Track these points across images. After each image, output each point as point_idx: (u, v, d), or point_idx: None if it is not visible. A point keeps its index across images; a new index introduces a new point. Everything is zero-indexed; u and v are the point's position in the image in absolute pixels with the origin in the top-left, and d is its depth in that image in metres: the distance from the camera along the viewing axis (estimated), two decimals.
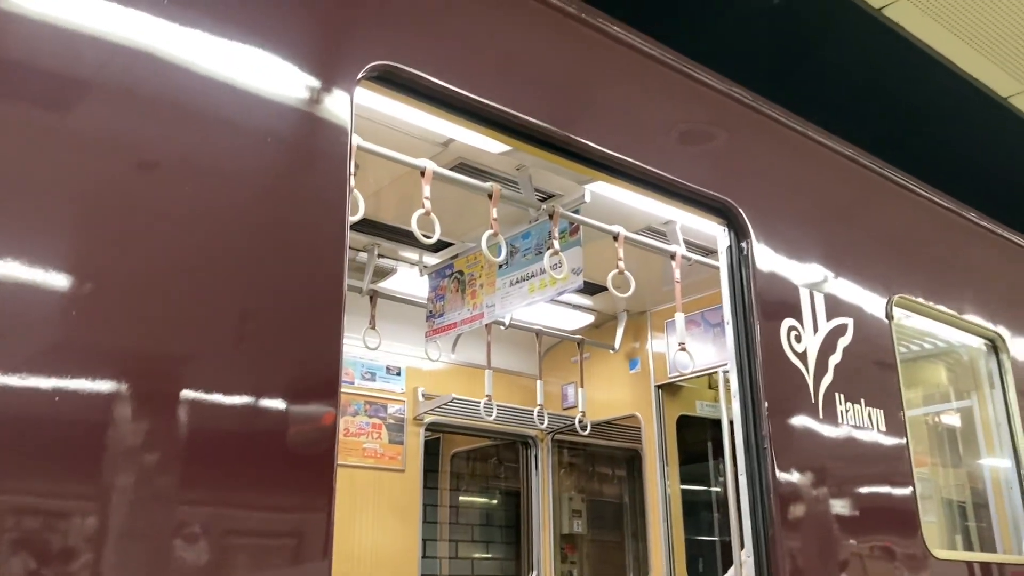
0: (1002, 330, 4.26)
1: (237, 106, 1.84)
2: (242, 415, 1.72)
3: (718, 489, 5.75)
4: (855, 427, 3.17)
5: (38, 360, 1.50)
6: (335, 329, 1.88)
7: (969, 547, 4.49)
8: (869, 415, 3.25)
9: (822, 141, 3.64)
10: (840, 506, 3.03)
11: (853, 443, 3.16)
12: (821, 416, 3.05)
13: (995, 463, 4.30)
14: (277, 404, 1.76)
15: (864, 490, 3.17)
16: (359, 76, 2.05)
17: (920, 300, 3.79)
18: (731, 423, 3.02)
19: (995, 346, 4.27)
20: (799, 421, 2.98)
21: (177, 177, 1.74)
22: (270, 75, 1.90)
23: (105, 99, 1.68)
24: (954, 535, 4.53)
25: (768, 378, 2.89)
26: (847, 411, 3.15)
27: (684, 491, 5.32)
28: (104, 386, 1.56)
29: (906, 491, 3.34)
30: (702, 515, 5.80)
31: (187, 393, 1.65)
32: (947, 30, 4.75)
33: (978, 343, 4.32)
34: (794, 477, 2.88)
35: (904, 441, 3.39)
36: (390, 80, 2.17)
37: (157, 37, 1.76)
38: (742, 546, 2.87)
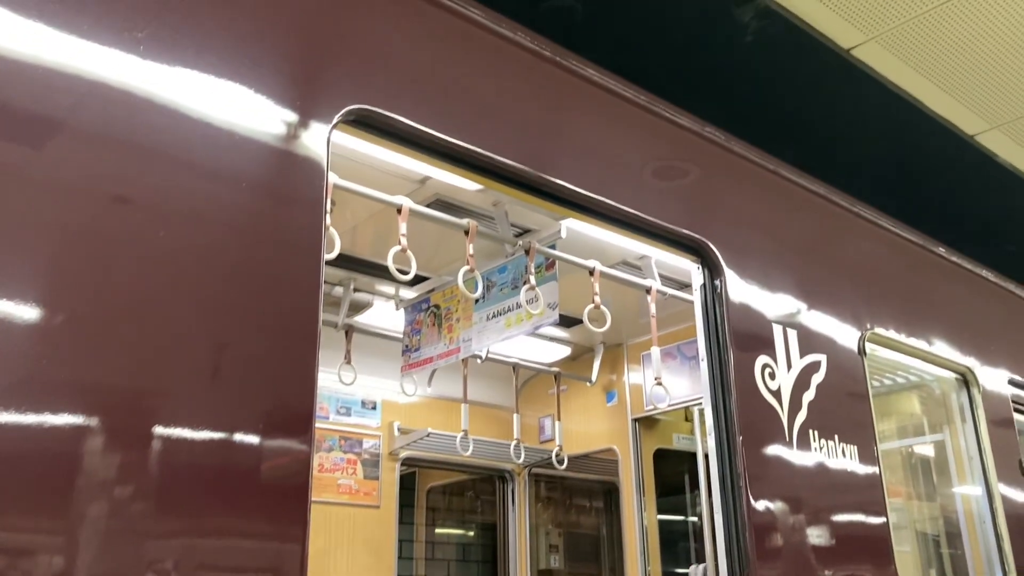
0: (972, 364, 4.32)
1: (215, 149, 1.85)
2: (216, 451, 1.70)
3: (695, 519, 5.75)
4: (829, 463, 3.19)
5: (9, 395, 1.49)
6: (310, 365, 1.87)
7: None
8: (843, 451, 3.27)
9: (793, 179, 3.69)
10: (815, 543, 3.04)
11: (828, 480, 3.18)
12: (796, 453, 3.07)
13: (968, 496, 4.33)
14: (251, 440, 1.75)
15: (838, 525, 3.19)
16: (335, 120, 2.07)
17: (892, 335, 3.84)
18: (706, 457, 3.03)
19: (966, 380, 4.32)
20: (774, 458, 2.99)
21: (155, 217, 1.74)
22: (247, 119, 1.91)
23: (79, 139, 1.68)
24: (928, 569, 4.55)
25: (743, 416, 2.90)
26: (821, 447, 3.17)
27: (661, 523, 5.31)
28: (78, 421, 1.54)
29: (880, 526, 3.36)
30: (680, 547, 5.78)
31: (160, 429, 1.63)
32: (914, 70, 4.85)
33: (949, 377, 4.36)
34: (770, 514, 2.89)
35: (878, 476, 3.41)
36: (366, 123, 2.18)
37: (132, 78, 1.76)
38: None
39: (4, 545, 1.45)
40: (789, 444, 3.06)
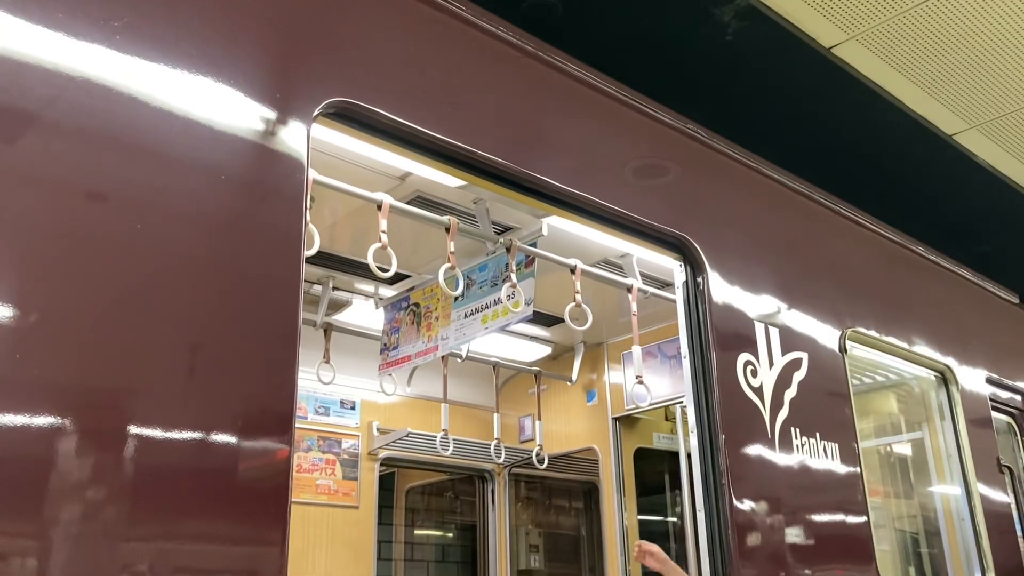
0: (951, 362, 4.34)
1: (193, 143, 1.81)
2: (195, 452, 1.68)
3: (675, 520, 5.75)
4: (811, 461, 3.20)
5: None
6: (289, 364, 1.84)
7: None
8: (824, 448, 3.27)
9: (775, 177, 3.69)
10: (797, 540, 3.04)
11: (809, 477, 3.18)
12: (777, 450, 3.07)
13: (946, 493, 4.36)
14: (230, 440, 1.72)
15: (820, 523, 3.19)
16: (316, 112, 2.04)
17: (872, 333, 3.85)
18: (688, 456, 3.02)
19: (944, 378, 4.35)
20: (756, 456, 2.99)
21: (131, 212, 1.70)
22: (226, 111, 1.87)
23: (56, 133, 1.64)
24: (908, 565, 4.57)
25: (725, 413, 2.90)
26: (803, 445, 3.17)
27: (641, 523, 5.30)
28: (53, 422, 1.51)
29: (861, 523, 3.37)
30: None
31: (138, 429, 1.60)
32: (895, 69, 4.88)
33: (928, 375, 4.39)
34: (752, 512, 2.89)
35: (859, 473, 3.42)
36: (347, 116, 2.16)
37: (110, 72, 1.72)
38: None
39: None
40: (771, 441, 3.05)
